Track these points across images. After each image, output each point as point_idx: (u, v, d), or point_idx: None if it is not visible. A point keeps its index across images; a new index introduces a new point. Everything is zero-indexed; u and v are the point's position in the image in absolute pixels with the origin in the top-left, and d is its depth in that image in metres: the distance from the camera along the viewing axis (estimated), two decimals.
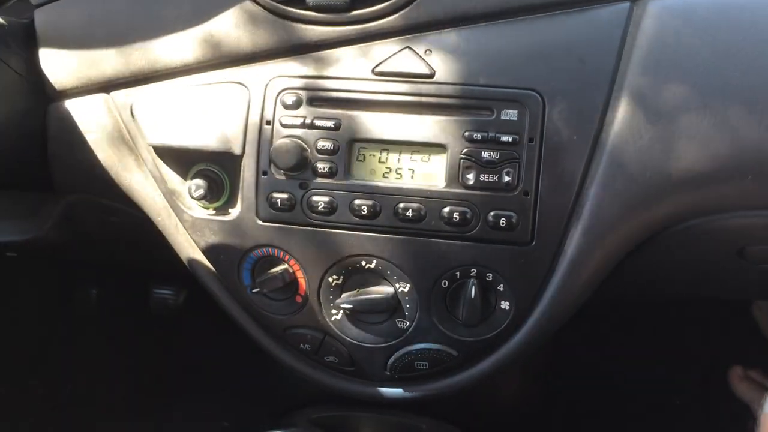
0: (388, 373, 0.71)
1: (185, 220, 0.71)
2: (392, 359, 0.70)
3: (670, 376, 1.27)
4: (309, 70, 0.67)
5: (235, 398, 1.23)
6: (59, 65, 0.71)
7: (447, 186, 0.64)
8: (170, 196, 0.72)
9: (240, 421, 1.16)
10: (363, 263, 0.67)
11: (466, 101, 0.64)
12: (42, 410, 1.13)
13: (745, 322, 1.25)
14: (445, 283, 0.66)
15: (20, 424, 1.09)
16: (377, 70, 0.65)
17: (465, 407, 0.92)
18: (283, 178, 0.67)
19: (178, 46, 0.69)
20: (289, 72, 0.67)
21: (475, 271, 0.65)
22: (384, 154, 0.65)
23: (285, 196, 0.67)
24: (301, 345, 0.72)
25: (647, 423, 1.24)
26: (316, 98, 0.66)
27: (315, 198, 0.66)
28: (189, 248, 0.72)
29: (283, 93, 0.67)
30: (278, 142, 0.65)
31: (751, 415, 1.08)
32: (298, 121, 0.66)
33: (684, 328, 1.28)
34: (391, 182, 0.65)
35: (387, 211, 0.65)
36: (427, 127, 0.64)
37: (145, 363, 1.26)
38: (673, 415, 1.25)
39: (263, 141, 0.67)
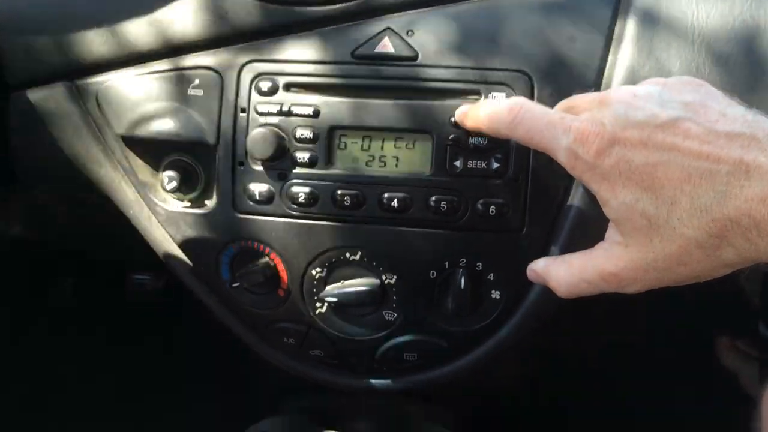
0: (375, 365, 0.69)
1: (159, 213, 0.68)
2: (380, 351, 0.68)
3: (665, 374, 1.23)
4: (285, 54, 0.63)
5: (222, 386, 1.21)
6: (18, 52, 0.67)
7: (433, 174, 0.61)
8: (142, 188, 0.68)
9: (227, 410, 1.14)
10: (347, 255, 0.64)
11: (451, 85, 0.61)
12: (21, 407, 1.10)
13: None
14: (433, 274, 0.64)
15: None
16: (357, 53, 0.62)
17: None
18: (261, 168, 0.63)
19: (144, 29, 0.65)
20: (263, 56, 0.63)
21: (465, 260, 0.63)
22: (366, 142, 0.62)
23: (263, 187, 0.63)
24: (285, 339, 0.69)
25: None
26: (293, 84, 0.63)
27: (295, 189, 0.63)
28: (164, 242, 0.69)
29: (258, 78, 0.63)
30: (254, 131, 0.61)
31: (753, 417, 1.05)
32: (275, 109, 0.62)
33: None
34: (375, 171, 0.62)
35: (371, 201, 0.62)
36: (411, 112, 0.61)
37: (127, 354, 1.23)
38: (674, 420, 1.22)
39: (238, 130, 0.63)
